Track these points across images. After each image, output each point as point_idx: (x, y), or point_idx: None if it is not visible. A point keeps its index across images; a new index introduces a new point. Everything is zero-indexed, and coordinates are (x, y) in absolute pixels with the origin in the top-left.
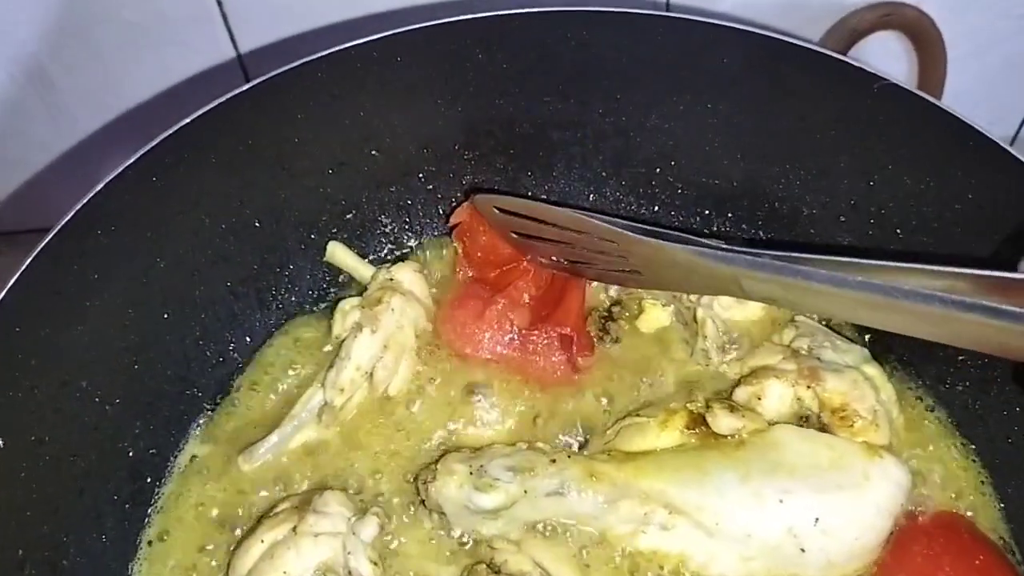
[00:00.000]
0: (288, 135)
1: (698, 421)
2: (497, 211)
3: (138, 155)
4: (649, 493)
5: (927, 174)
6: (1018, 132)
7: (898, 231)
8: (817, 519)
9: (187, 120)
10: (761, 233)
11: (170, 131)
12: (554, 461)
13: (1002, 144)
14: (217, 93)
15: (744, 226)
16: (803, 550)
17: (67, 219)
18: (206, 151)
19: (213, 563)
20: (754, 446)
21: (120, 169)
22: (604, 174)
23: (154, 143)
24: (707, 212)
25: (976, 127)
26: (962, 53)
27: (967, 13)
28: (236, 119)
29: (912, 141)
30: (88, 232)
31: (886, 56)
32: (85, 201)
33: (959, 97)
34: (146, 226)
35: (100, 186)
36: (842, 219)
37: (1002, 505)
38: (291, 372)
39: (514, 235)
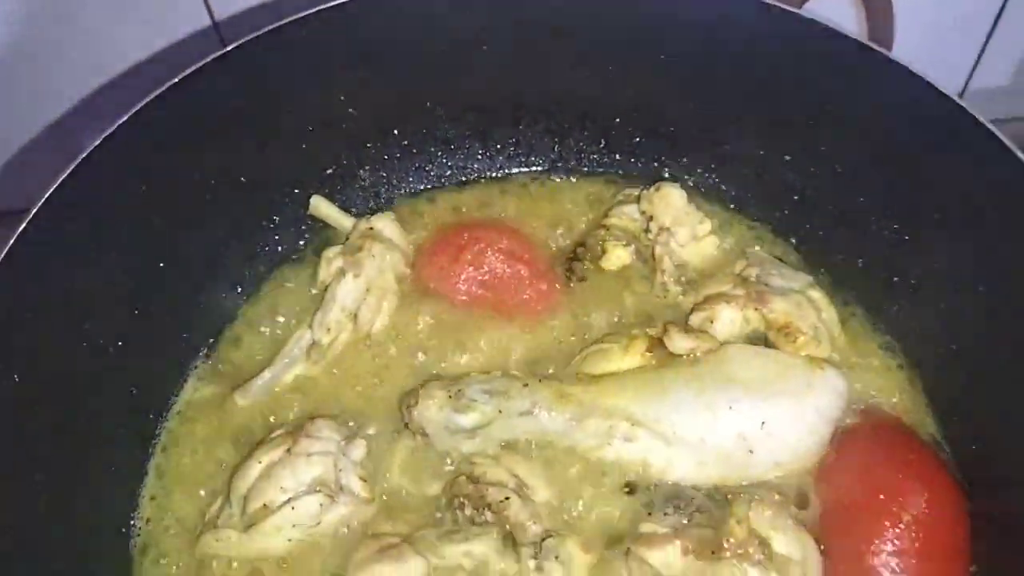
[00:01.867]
0: (268, 96)
1: (656, 344)
2: None
3: (124, 118)
4: (613, 410)
5: (877, 128)
6: (964, 89)
7: (839, 169)
8: (763, 423)
9: (171, 83)
10: (713, 177)
11: (154, 94)
12: (526, 385)
13: (953, 97)
14: (195, 60)
15: (699, 169)
16: (751, 452)
17: (62, 178)
18: (191, 113)
19: (214, 486)
20: (707, 363)
21: (108, 132)
22: (567, 126)
23: (139, 107)
24: (665, 159)
25: (926, 78)
26: (909, 9)
27: None
28: (217, 82)
29: (861, 93)
30: (84, 191)
31: (838, 14)
32: (76, 163)
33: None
34: (138, 184)
35: (90, 149)
36: (787, 158)
37: (931, 407)
38: (280, 316)
39: None
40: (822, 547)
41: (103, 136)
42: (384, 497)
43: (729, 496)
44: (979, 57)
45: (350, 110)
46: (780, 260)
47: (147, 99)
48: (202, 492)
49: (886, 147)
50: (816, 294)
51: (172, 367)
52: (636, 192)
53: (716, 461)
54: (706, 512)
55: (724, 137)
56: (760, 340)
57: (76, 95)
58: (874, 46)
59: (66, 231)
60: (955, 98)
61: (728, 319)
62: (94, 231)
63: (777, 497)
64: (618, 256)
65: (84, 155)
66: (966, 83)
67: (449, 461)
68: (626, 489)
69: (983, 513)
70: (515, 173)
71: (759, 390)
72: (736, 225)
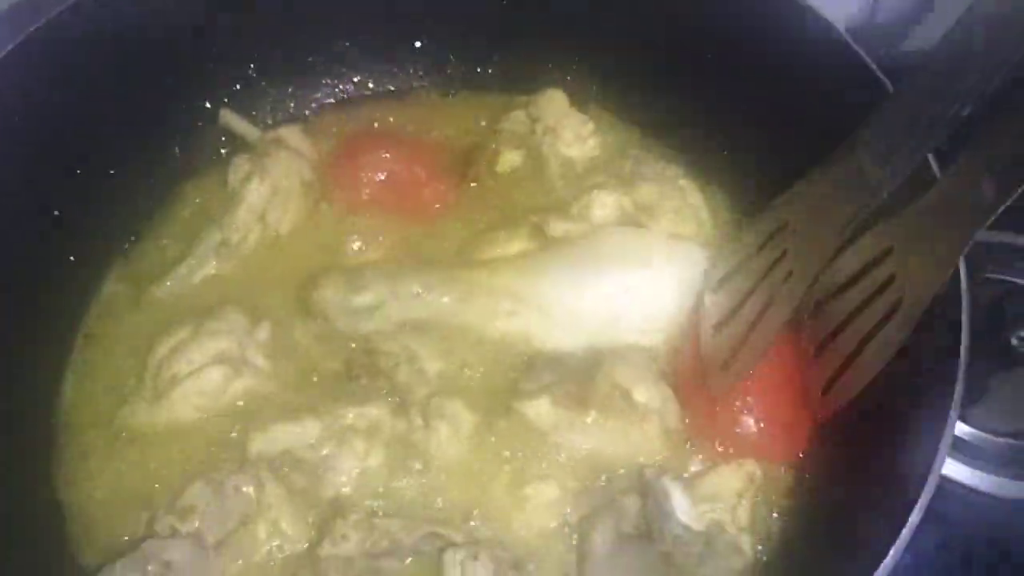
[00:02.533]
0: (168, 11)
1: (538, 231)
2: None
3: (32, 29)
4: (497, 288)
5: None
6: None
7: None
8: (627, 290)
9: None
10: (598, 84)
11: (60, 9)
12: (418, 270)
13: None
14: None
15: (585, 79)
16: (619, 317)
17: None
18: (94, 26)
19: (132, 369)
20: (580, 243)
21: (19, 40)
22: (459, 43)
23: (54, 13)
24: (551, 70)
25: None
26: None
27: None
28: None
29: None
30: None
31: None
32: None
33: None
34: (49, 91)
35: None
36: (663, 67)
37: None
38: (193, 220)
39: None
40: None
41: (14, 44)
42: (289, 375)
43: (600, 358)
44: None
45: (254, 27)
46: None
47: (52, 14)
48: (118, 377)
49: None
50: (684, 182)
51: (89, 267)
52: (525, 100)
53: (588, 326)
54: (579, 372)
55: (607, 46)
56: (633, 223)
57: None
58: None
59: None
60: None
61: (601, 203)
62: (6, 132)
63: (642, 356)
64: (510, 158)
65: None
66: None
67: (352, 345)
68: (509, 357)
69: None
70: (415, 87)
71: (623, 262)
72: (618, 127)
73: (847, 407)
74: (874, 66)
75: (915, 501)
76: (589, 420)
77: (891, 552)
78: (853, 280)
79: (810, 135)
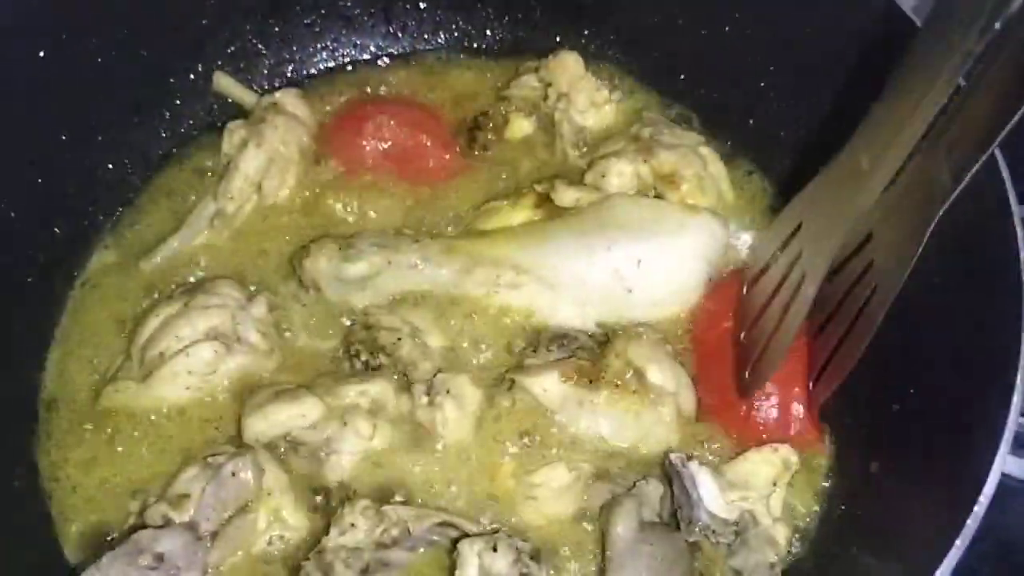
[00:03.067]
0: None
1: (544, 199)
2: None
3: None
4: (499, 259)
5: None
6: None
7: (727, 30)
8: (639, 261)
9: None
10: (614, 47)
11: None
12: (416, 240)
13: None
14: None
15: (599, 41)
16: (630, 290)
17: None
18: None
19: (119, 343)
20: (590, 212)
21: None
22: (469, 2)
23: None
24: (564, 30)
25: None
26: None
27: None
28: None
29: None
30: None
31: None
32: None
33: None
34: (40, 55)
35: None
36: (679, 22)
37: None
38: (185, 189)
39: None
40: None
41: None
42: (285, 353)
43: (610, 334)
44: None
45: None
46: (676, 124)
47: None
48: (105, 353)
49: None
50: (705, 150)
51: (77, 237)
52: (536, 63)
53: (597, 301)
54: (588, 349)
55: (622, 6)
56: (650, 192)
57: None
58: None
59: None
60: None
61: (618, 172)
62: None
63: (656, 335)
64: (520, 126)
65: None
66: None
67: (348, 320)
68: (513, 333)
69: None
70: (420, 50)
71: (636, 232)
72: (636, 92)
73: (900, 400)
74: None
75: (975, 499)
76: (599, 399)
77: (950, 553)
78: (837, 268)
79: (840, 100)
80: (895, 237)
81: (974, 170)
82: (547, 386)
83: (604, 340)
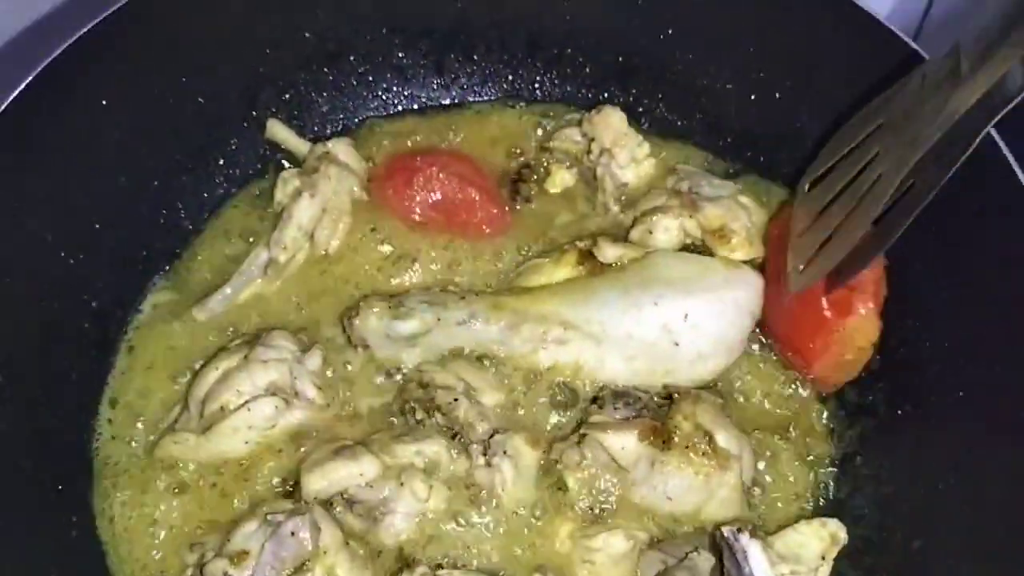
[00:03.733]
0: (224, 18)
1: (587, 256)
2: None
3: (85, 29)
4: (545, 315)
5: (817, 54)
6: (922, 24)
7: (778, 96)
8: (687, 315)
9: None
10: (661, 108)
11: (115, 7)
12: (463, 297)
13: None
14: None
15: (646, 100)
16: (677, 344)
17: (24, 86)
18: (151, 29)
19: (174, 393)
20: (633, 268)
21: (67, 43)
22: (520, 55)
23: (101, 18)
24: (612, 88)
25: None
26: None
27: None
28: (174, 4)
29: (809, 25)
30: (49, 100)
31: None
32: (39, 70)
33: None
34: (99, 99)
35: (53, 56)
36: (728, 86)
37: None
38: (238, 236)
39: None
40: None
41: (61, 49)
42: (339, 406)
43: (675, 396)
44: None
45: (306, 35)
46: (708, 172)
47: (104, 14)
48: (160, 401)
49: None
50: (745, 199)
51: (132, 282)
52: (579, 116)
53: (644, 355)
54: (652, 409)
55: (672, 69)
56: (696, 248)
57: (34, 11)
58: None
59: (32, 141)
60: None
61: (664, 228)
62: (57, 144)
63: (718, 399)
64: (561, 178)
65: (47, 62)
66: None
67: (400, 373)
68: (566, 390)
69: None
70: (469, 101)
71: (681, 287)
72: (668, 144)
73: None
74: None
75: None
76: (672, 461)
77: None
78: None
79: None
80: (906, 134)
81: None
82: (625, 444)
83: (665, 400)
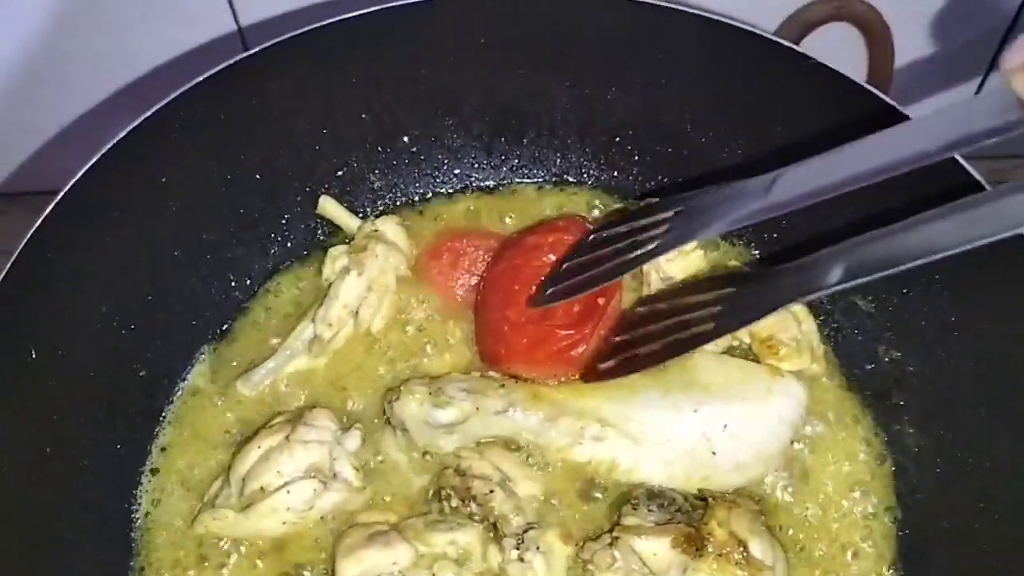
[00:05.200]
0: (284, 100)
1: None
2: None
3: (149, 113)
4: (584, 410)
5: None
6: None
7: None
8: (726, 425)
9: (198, 80)
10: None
11: (178, 92)
12: (503, 386)
13: None
14: (218, 64)
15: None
16: (714, 453)
17: (91, 164)
18: (213, 110)
19: (216, 467)
20: (675, 369)
21: (133, 125)
22: (569, 141)
23: (168, 100)
24: (661, 178)
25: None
26: (910, 46)
27: (916, 5)
28: (239, 83)
29: (849, 126)
30: (107, 180)
31: (839, 45)
32: (101, 153)
33: (906, 89)
34: (158, 176)
35: (114, 141)
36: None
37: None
38: (285, 310)
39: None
40: None
41: (128, 129)
42: (374, 488)
43: (710, 500)
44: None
45: (363, 116)
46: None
47: (171, 96)
48: (201, 474)
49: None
50: (795, 307)
51: (180, 352)
52: (624, 205)
53: (681, 461)
54: (686, 513)
55: (716, 158)
56: (741, 352)
57: (103, 90)
58: (873, 89)
59: (88, 216)
60: None
61: None
62: (115, 218)
63: (753, 506)
64: None
65: (109, 146)
66: None
67: (440, 460)
68: (601, 487)
69: None
70: (517, 183)
71: (722, 394)
72: (718, 241)
73: None
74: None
75: None
76: (704, 569)
77: None
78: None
79: None
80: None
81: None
82: (657, 550)
83: (698, 504)
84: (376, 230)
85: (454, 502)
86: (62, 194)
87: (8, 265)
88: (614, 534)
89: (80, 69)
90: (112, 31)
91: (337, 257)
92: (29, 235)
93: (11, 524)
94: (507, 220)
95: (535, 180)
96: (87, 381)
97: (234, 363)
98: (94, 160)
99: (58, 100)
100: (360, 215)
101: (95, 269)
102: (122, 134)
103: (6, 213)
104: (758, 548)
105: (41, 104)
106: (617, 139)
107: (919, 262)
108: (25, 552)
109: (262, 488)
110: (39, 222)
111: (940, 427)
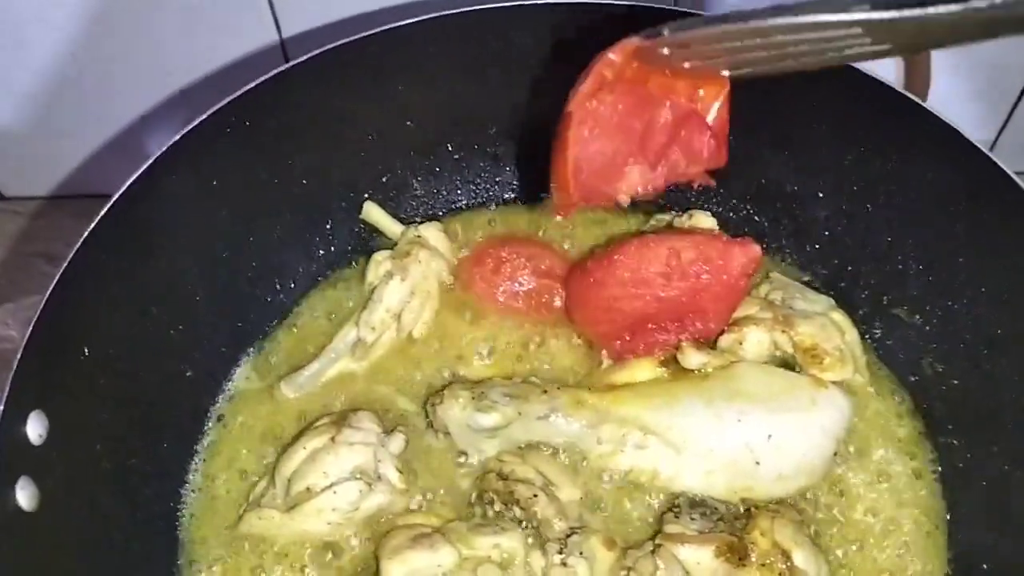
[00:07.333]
0: (331, 107)
1: (670, 358)
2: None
3: (204, 117)
4: (626, 418)
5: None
6: (998, 138)
7: (866, 213)
8: (770, 436)
9: (248, 87)
10: (749, 207)
11: (232, 96)
12: (545, 392)
13: (982, 148)
14: (260, 75)
15: (734, 201)
16: (758, 463)
17: (144, 168)
18: (263, 117)
19: (261, 467)
20: (718, 377)
21: (186, 129)
22: None
23: (220, 105)
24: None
25: (958, 129)
26: (947, 57)
27: None
28: (286, 92)
29: (898, 141)
30: (158, 187)
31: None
32: (150, 162)
33: (943, 100)
34: (210, 180)
35: (164, 149)
36: (820, 195)
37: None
38: (329, 313)
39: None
40: None
41: (180, 134)
42: (417, 490)
43: (752, 509)
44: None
45: (408, 123)
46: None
47: (223, 102)
48: (247, 474)
49: (915, 192)
50: (838, 316)
51: (226, 354)
52: (668, 218)
53: (723, 470)
54: (728, 522)
55: (758, 172)
56: (783, 362)
57: (149, 100)
58: (912, 96)
59: (140, 222)
60: (985, 150)
61: (756, 340)
62: (165, 224)
63: (796, 515)
64: None
65: (162, 150)
66: (996, 137)
67: (483, 464)
68: (644, 494)
69: None
70: None
71: (766, 404)
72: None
73: None
74: None
75: None
76: None
77: None
78: None
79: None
80: None
81: None
82: (701, 559)
83: (742, 513)
84: (419, 236)
85: (497, 506)
86: (115, 198)
87: (63, 267)
88: (656, 541)
89: (125, 79)
90: (156, 43)
91: (381, 262)
92: (83, 238)
93: (61, 522)
94: (549, 230)
95: None
96: (136, 380)
97: (278, 365)
98: (147, 164)
99: (104, 109)
100: (404, 221)
101: (145, 271)
102: (175, 139)
103: (54, 217)
104: (801, 558)
105: (87, 113)
106: None
107: None
108: (74, 550)
109: (308, 488)
110: (93, 225)
111: (986, 441)
